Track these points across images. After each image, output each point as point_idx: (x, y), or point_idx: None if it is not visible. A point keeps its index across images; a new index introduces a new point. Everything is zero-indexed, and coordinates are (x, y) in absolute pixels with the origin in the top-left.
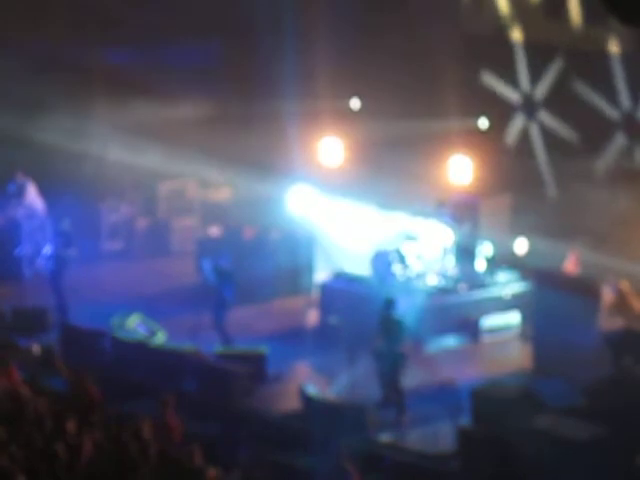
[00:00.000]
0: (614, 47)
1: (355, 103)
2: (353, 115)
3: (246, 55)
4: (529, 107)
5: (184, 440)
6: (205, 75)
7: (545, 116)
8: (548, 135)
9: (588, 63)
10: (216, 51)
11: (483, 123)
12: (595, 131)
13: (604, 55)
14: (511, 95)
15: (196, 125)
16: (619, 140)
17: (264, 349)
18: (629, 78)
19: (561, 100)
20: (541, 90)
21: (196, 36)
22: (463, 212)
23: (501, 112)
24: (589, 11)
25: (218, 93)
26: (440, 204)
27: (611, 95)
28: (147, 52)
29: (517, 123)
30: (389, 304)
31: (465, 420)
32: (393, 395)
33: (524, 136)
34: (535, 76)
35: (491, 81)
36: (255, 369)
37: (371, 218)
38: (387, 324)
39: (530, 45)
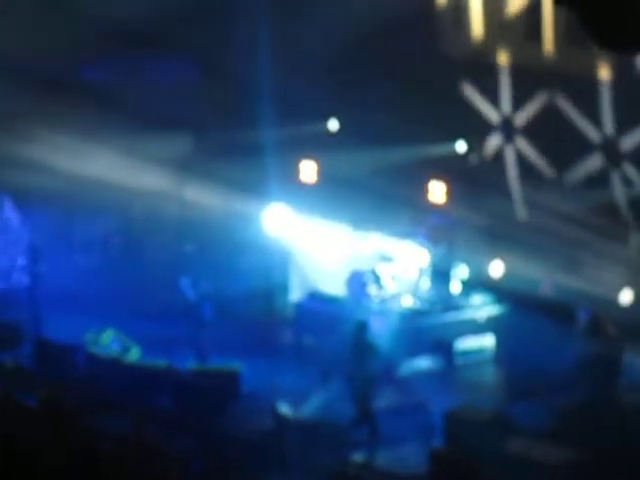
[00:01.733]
0: (599, 71)
1: (333, 124)
2: (331, 137)
3: (221, 75)
4: (507, 130)
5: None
6: (180, 93)
7: (522, 142)
8: (523, 160)
9: (572, 88)
10: (191, 69)
11: (461, 146)
12: (573, 157)
13: (588, 80)
14: (490, 116)
15: (172, 142)
16: (596, 161)
17: (238, 366)
18: (614, 103)
19: (540, 127)
20: (522, 116)
21: (171, 54)
22: (439, 233)
23: (479, 134)
24: (570, 35)
25: (194, 111)
26: (415, 225)
27: (594, 120)
28: (124, 68)
29: (494, 142)
30: (361, 327)
31: (437, 442)
32: (363, 417)
33: (499, 157)
34: (516, 99)
35: (470, 102)
36: (229, 387)
37: (347, 238)
38: (359, 347)
39: (511, 67)
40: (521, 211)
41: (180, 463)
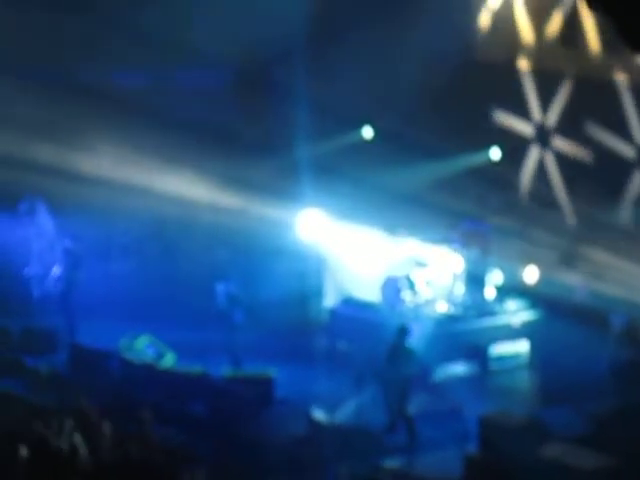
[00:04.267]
0: (627, 76)
1: (367, 132)
2: (365, 144)
3: (257, 85)
4: (542, 136)
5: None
6: (214, 101)
7: (559, 142)
8: (563, 161)
9: (602, 92)
10: (227, 79)
11: (495, 154)
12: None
13: (618, 85)
14: (524, 127)
15: (205, 149)
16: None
17: (272, 373)
18: None
19: (574, 124)
20: (553, 117)
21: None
22: (473, 239)
23: (514, 142)
24: (605, 41)
25: (227, 118)
26: (449, 230)
27: (623, 127)
28: (158, 76)
29: (533, 155)
30: (403, 331)
31: (472, 448)
32: (401, 422)
33: (540, 165)
34: (546, 104)
35: (503, 114)
36: (263, 393)
37: (381, 244)
38: (397, 351)
39: (542, 73)
40: (569, 216)
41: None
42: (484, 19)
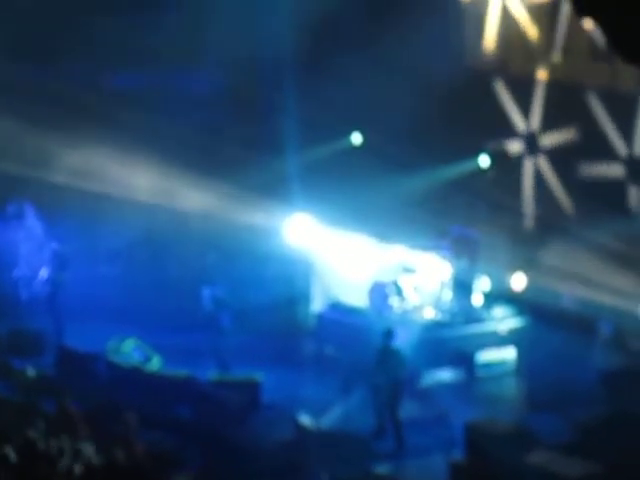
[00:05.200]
0: (618, 85)
1: (356, 138)
2: (354, 150)
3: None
4: (529, 144)
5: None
6: (204, 107)
7: (543, 162)
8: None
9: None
10: (218, 79)
11: (484, 161)
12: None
13: (609, 93)
14: (513, 130)
15: (196, 150)
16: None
17: (259, 377)
18: None
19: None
20: (545, 133)
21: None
22: (461, 246)
23: (502, 148)
24: (594, 49)
25: (219, 120)
26: (438, 237)
27: (624, 136)
28: (152, 77)
29: (515, 148)
30: (388, 335)
31: (458, 454)
32: (390, 426)
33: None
34: (539, 114)
35: (494, 115)
36: (249, 397)
37: (369, 249)
38: (385, 355)
39: (535, 81)
40: (529, 223)
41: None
42: (473, 32)
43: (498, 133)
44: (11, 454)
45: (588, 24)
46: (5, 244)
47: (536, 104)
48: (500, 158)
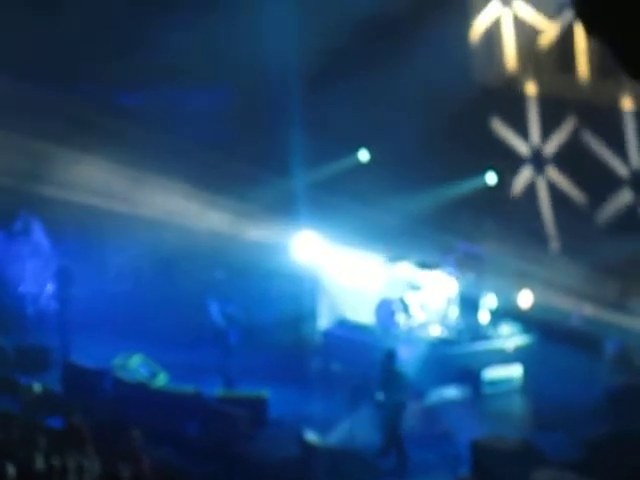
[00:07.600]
0: (626, 103)
1: (364, 155)
2: (361, 166)
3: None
4: (538, 161)
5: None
6: (213, 119)
7: (553, 172)
8: (555, 191)
9: (600, 119)
10: (226, 97)
11: (491, 178)
12: (602, 188)
13: (616, 111)
14: (521, 147)
15: (205, 167)
16: (625, 196)
17: (265, 394)
18: None
19: (570, 156)
20: (551, 145)
21: (208, 81)
22: (468, 263)
23: (510, 165)
24: (602, 66)
25: (228, 138)
26: (444, 254)
27: (621, 151)
28: (161, 95)
29: (525, 175)
30: (390, 356)
31: (464, 472)
32: (393, 445)
33: (531, 190)
34: (546, 130)
35: (501, 132)
36: (256, 413)
37: (375, 266)
38: (388, 375)
39: (542, 98)
40: (555, 243)
41: None
42: (481, 45)
43: (505, 151)
44: (10, 469)
45: (597, 42)
46: (12, 259)
47: (534, 120)
48: (509, 176)
